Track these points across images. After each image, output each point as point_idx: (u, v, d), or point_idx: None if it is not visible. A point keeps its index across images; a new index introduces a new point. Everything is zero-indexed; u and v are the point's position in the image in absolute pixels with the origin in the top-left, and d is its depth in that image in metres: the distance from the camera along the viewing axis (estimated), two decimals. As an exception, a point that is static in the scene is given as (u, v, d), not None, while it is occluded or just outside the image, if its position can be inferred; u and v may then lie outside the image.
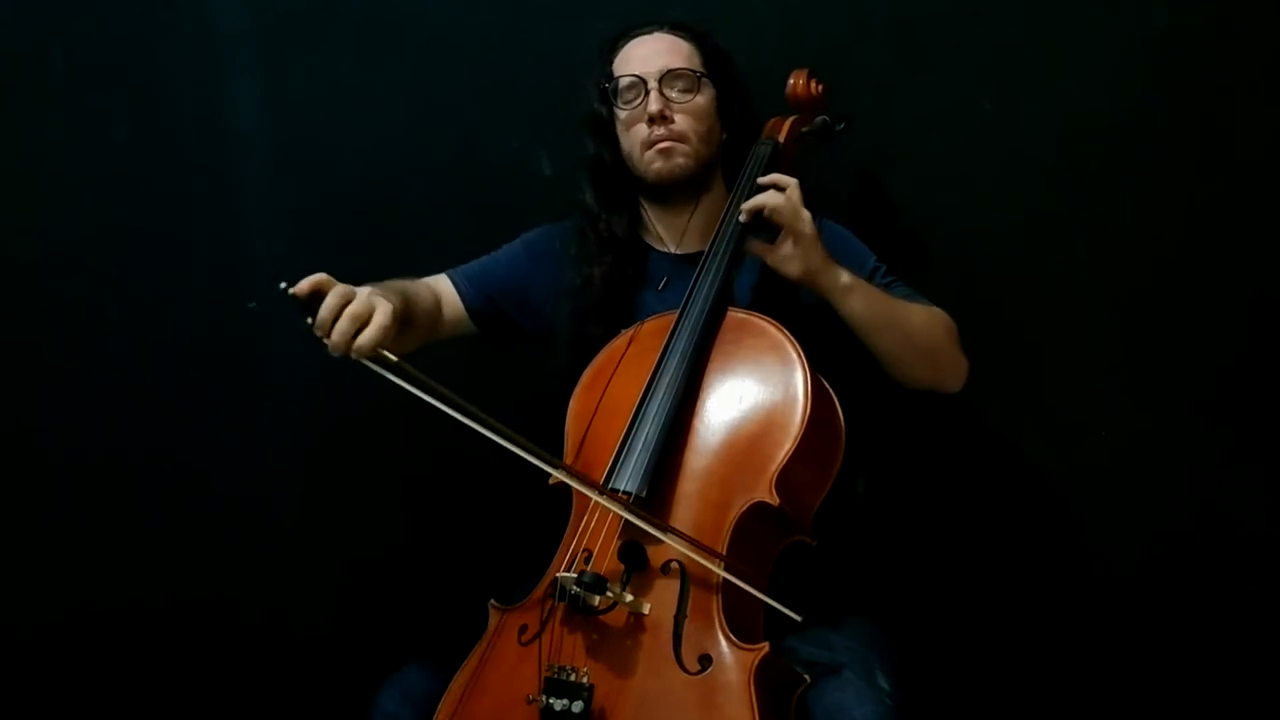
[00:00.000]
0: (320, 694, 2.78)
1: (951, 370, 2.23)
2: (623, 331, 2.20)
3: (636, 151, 2.29)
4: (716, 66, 2.32)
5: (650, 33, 2.32)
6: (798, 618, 1.91)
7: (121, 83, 2.78)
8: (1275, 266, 2.46)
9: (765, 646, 1.86)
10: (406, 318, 2.09)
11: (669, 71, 2.26)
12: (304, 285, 1.87)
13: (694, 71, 2.28)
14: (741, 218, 2.14)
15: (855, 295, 2.11)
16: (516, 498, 2.23)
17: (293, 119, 2.78)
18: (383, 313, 1.89)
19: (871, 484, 2.42)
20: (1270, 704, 2.48)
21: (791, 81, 2.33)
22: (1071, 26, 2.49)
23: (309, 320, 1.87)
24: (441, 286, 2.34)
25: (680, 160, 2.27)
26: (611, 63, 2.32)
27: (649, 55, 2.29)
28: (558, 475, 1.97)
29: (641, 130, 2.27)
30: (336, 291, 1.88)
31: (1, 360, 2.81)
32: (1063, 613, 2.56)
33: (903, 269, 2.31)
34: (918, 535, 2.59)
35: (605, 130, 2.34)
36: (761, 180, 2.14)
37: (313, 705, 2.80)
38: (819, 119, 2.35)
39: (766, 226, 2.13)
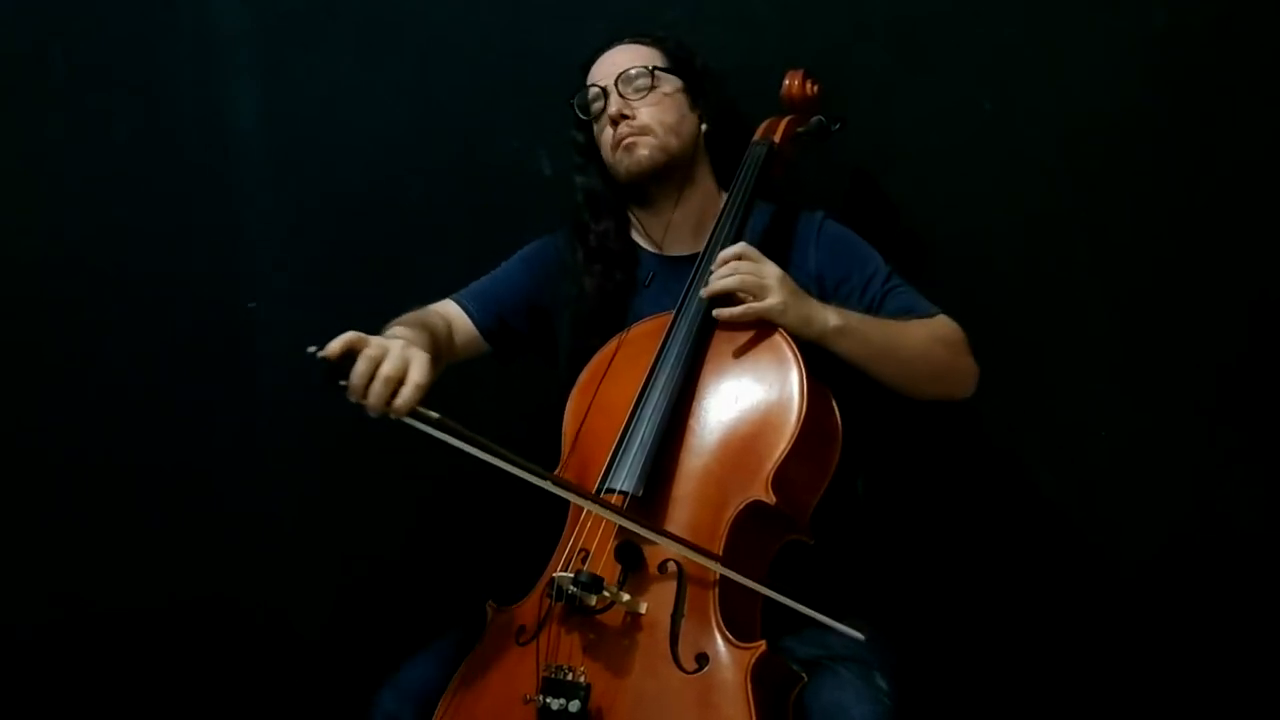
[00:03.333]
0: (320, 694, 2.78)
1: (959, 382, 2.22)
2: (620, 333, 2.20)
3: (609, 156, 2.31)
4: (678, 61, 2.34)
5: (611, 47, 2.35)
6: (800, 607, 1.92)
7: (121, 83, 2.79)
8: (1275, 266, 2.45)
9: (762, 645, 1.86)
10: (436, 354, 2.06)
11: (622, 73, 2.30)
12: (334, 347, 1.82)
13: (646, 67, 2.30)
14: (704, 294, 2.08)
15: (845, 336, 2.07)
16: (514, 498, 2.23)
17: (293, 119, 2.78)
18: (417, 370, 1.84)
19: (870, 483, 2.42)
20: (1270, 704, 2.48)
21: (787, 82, 2.34)
22: (1071, 26, 2.48)
23: (342, 384, 1.82)
24: (450, 311, 2.34)
25: (644, 152, 2.27)
26: (585, 78, 2.36)
27: (607, 66, 2.33)
28: (549, 487, 1.94)
29: (609, 134, 2.29)
30: (366, 355, 1.83)
31: (1, 360, 2.82)
32: (1062, 613, 2.56)
33: (903, 269, 2.31)
34: (916, 535, 2.59)
35: (589, 153, 2.37)
36: (712, 268, 2.09)
37: (313, 705, 2.81)
38: (814, 119, 2.35)
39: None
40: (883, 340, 2.12)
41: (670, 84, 2.31)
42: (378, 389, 1.81)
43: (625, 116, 2.27)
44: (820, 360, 2.06)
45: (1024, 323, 2.55)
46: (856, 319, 2.11)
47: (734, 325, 2.08)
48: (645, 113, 2.28)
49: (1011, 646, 2.57)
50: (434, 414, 1.84)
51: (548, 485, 1.91)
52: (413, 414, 1.83)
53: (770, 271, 2.07)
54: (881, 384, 2.13)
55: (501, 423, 2.58)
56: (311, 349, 1.80)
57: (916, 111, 2.56)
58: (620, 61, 2.32)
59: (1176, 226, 2.48)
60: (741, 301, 2.06)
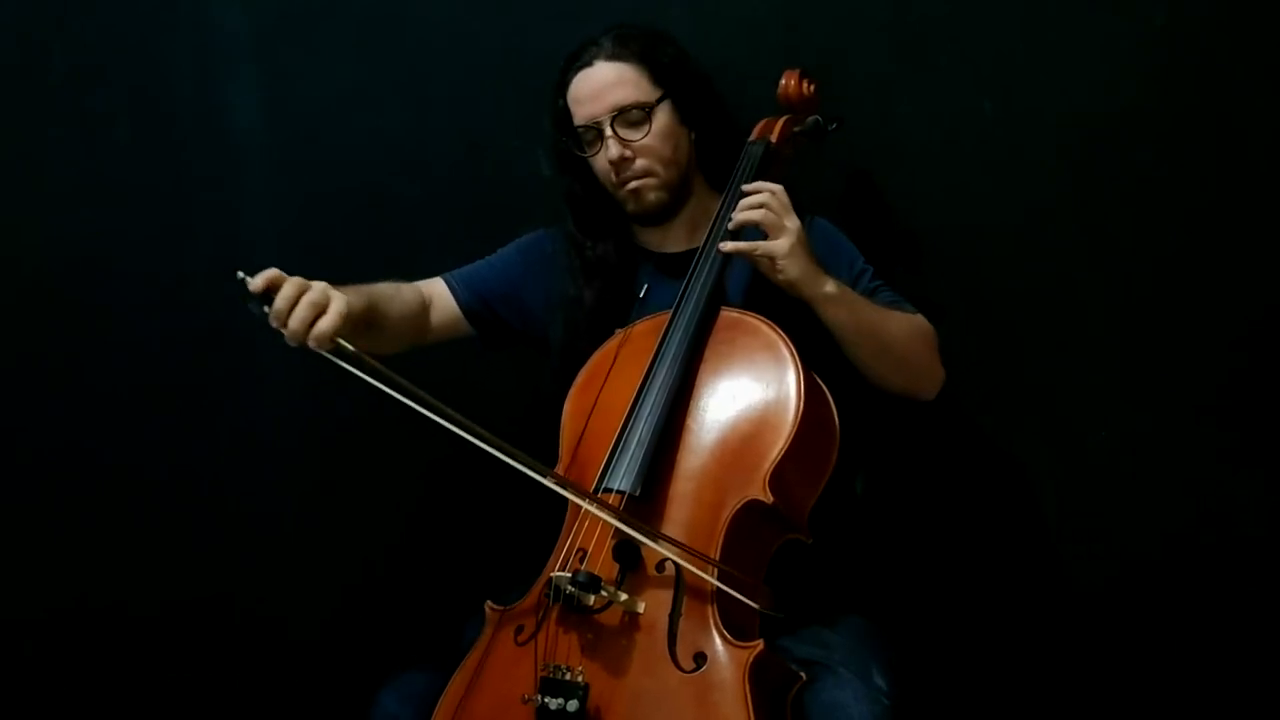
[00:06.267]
0: (321, 694, 2.78)
1: (926, 380, 2.23)
2: (617, 331, 2.21)
3: (609, 187, 2.29)
4: (668, 76, 2.27)
5: (592, 64, 2.26)
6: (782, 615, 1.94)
7: (121, 83, 2.79)
8: (1275, 267, 2.45)
9: (760, 644, 1.85)
10: (371, 319, 2.12)
11: (619, 111, 2.23)
12: (259, 280, 1.90)
13: (643, 105, 2.24)
14: (730, 225, 2.13)
15: (838, 304, 2.09)
16: (513, 498, 2.23)
17: (293, 119, 2.78)
18: (340, 301, 1.91)
19: (868, 483, 2.42)
20: (1270, 704, 2.48)
21: (783, 82, 2.33)
22: (1071, 26, 2.48)
23: (265, 309, 1.90)
24: (436, 288, 2.36)
25: (652, 195, 2.27)
26: (565, 95, 2.30)
27: (596, 92, 2.25)
28: (544, 482, 1.96)
29: (608, 171, 2.26)
30: (292, 281, 1.91)
31: (1, 360, 2.82)
32: (1061, 613, 2.56)
33: (901, 269, 2.32)
34: (915, 534, 2.59)
35: (573, 161, 2.34)
36: (746, 187, 2.14)
37: (313, 706, 2.81)
38: (811, 119, 2.35)
39: (755, 232, 2.13)
40: (871, 318, 2.14)
41: (664, 113, 2.26)
42: (300, 312, 1.88)
43: (626, 160, 2.24)
44: (817, 358, 2.06)
45: (1024, 323, 2.55)
46: (851, 293, 2.14)
47: (731, 324, 2.10)
48: (644, 153, 2.24)
49: (1011, 646, 2.57)
50: (351, 347, 1.88)
51: (490, 449, 1.90)
52: (334, 348, 1.88)
53: (791, 218, 2.09)
54: (853, 362, 2.15)
55: (498, 424, 2.62)
56: (240, 274, 1.90)
57: (916, 111, 2.55)
58: (609, 89, 2.24)
59: (1177, 226, 2.47)
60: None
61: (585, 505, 1.98)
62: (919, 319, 2.23)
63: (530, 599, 2.03)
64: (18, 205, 2.80)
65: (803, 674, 1.93)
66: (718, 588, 1.90)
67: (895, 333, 2.17)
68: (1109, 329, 2.52)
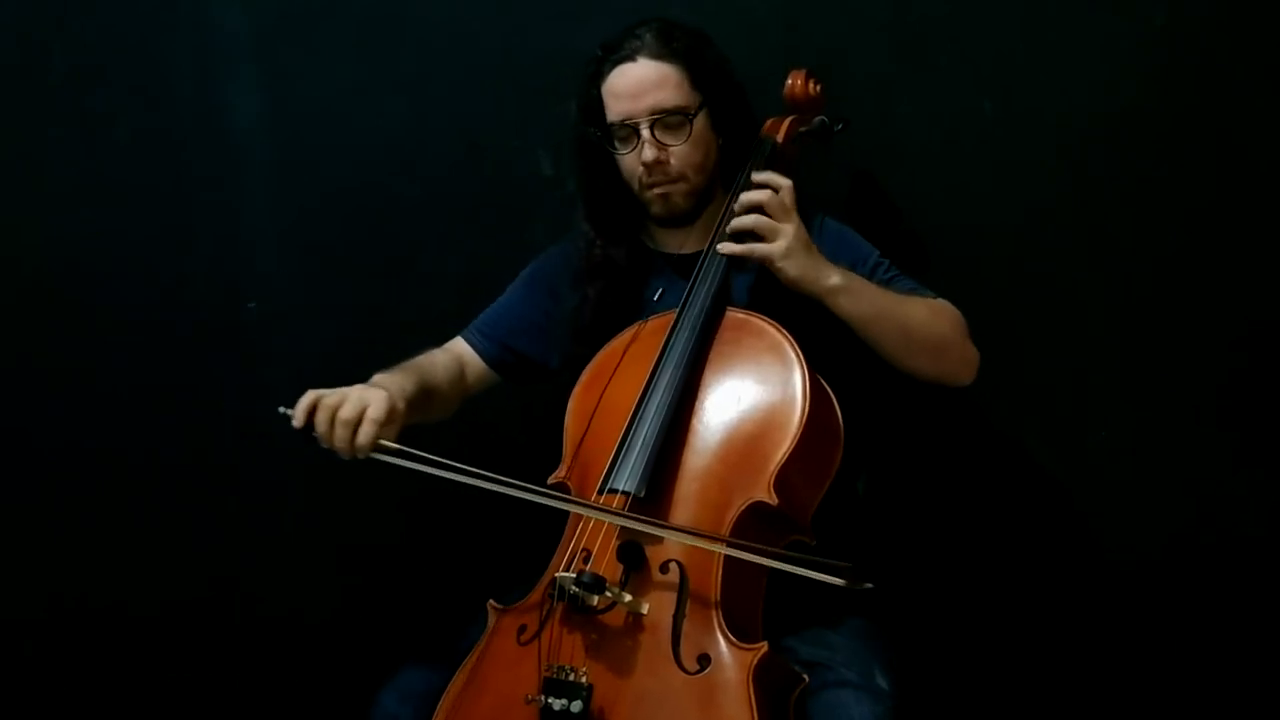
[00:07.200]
0: (321, 694, 2.78)
1: (959, 363, 2.21)
2: (622, 331, 2.20)
3: (635, 186, 2.26)
4: (708, 82, 2.23)
5: (634, 59, 2.19)
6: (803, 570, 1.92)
7: (121, 83, 2.78)
8: (1275, 267, 2.45)
9: (764, 646, 1.86)
10: (427, 393, 2.20)
11: (660, 114, 2.19)
12: (300, 414, 2.02)
13: (685, 112, 2.19)
14: (728, 230, 2.12)
15: (846, 295, 2.08)
16: (514, 497, 2.23)
17: (293, 119, 2.77)
18: (374, 409, 2.00)
19: (871, 484, 2.42)
20: (1270, 704, 2.48)
21: (790, 81, 2.32)
22: (1071, 27, 2.49)
23: (314, 435, 2.02)
24: (460, 348, 2.37)
25: (680, 201, 2.24)
26: (599, 86, 2.24)
27: (636, 90, 2.19)
28: (570, 508, 2.02)
29: (639, 171, 2.22)
30: (325, 405, 2.01)
31: (2, 360, 2.81)
32: (1062, 613, 2.56)
33: (904, 268, 2.31)
34: (917, 535, 2.59)
35: (597, 153, 2.29)
36: (756, 178, 2.13)
37: (314, 705, 2.80)
38: (817, 119, 2.35)
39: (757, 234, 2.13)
40: (886, 304, 2.13)
41: (702, 120, 2.22)
42: (338, 433, 1.99)
43: (660, 163, 2.20)
44: (821, 359, 2.06)
45: (1024, 323, 2.55)
46: (860, 281, 2.12)
47: (737, 325, 2.10)
48: (679, 158, 2.20)
49: (1012, 647, 2.57)
50: (394, 445, 2.00)
51: (535, 498, 1.98)
52: (378, 449, 2.00)
53: (789, 219, 2.08)
54: (879, 353, 2.13)
55: (502, 423, 2.61)
56: (281, 409, 2.03)
57: (916, 111, 2.56)
58: (651, 89, 2.18)
59: (1177, 226, 2.48)
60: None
61: (582, 511, 1.99)
62: (940, 302, 2.21)
63: (533, 599, 2.03)
64: (18, 205, 2.79)
65: (805, 676, 1.93)
66: (723, 588, 1.91)
67: (916, 318, 2.15)
68: (1109, 329, 2.53)
